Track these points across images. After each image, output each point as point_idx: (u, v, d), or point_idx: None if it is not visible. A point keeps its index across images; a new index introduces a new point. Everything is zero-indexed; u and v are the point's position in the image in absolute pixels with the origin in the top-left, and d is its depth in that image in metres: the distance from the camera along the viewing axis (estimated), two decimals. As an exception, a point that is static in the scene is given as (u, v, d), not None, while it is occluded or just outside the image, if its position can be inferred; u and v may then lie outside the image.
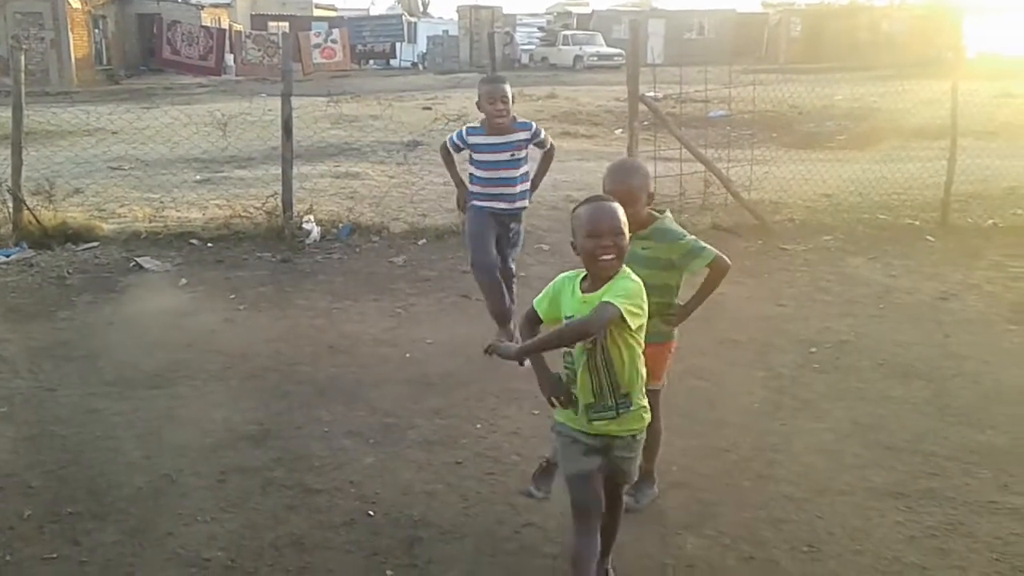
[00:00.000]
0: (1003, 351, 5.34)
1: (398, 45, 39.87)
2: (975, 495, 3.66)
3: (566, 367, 2.82)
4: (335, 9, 47.68)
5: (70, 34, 30.39)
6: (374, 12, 48.19)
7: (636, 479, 3.03)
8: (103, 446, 4.15)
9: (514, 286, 5.53)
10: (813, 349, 5.36)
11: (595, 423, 2.77)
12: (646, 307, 2.70)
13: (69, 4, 29.99)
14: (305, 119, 11.72)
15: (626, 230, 2.71)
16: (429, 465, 3.96)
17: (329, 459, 4.02)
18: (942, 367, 5.07)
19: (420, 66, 40.47)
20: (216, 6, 39.14)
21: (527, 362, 2.88)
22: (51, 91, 23.88)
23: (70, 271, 7.06)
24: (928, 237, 8.09)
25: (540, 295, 2.88)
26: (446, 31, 42.00)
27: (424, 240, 8.04)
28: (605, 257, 2.66)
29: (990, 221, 8.56)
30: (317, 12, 42.96)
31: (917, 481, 3.78)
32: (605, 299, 2.62)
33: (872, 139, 13.55)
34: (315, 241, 7.94)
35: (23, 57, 7.89)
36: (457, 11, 41.13)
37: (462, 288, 6.64)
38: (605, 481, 2.85)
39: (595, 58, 37.68)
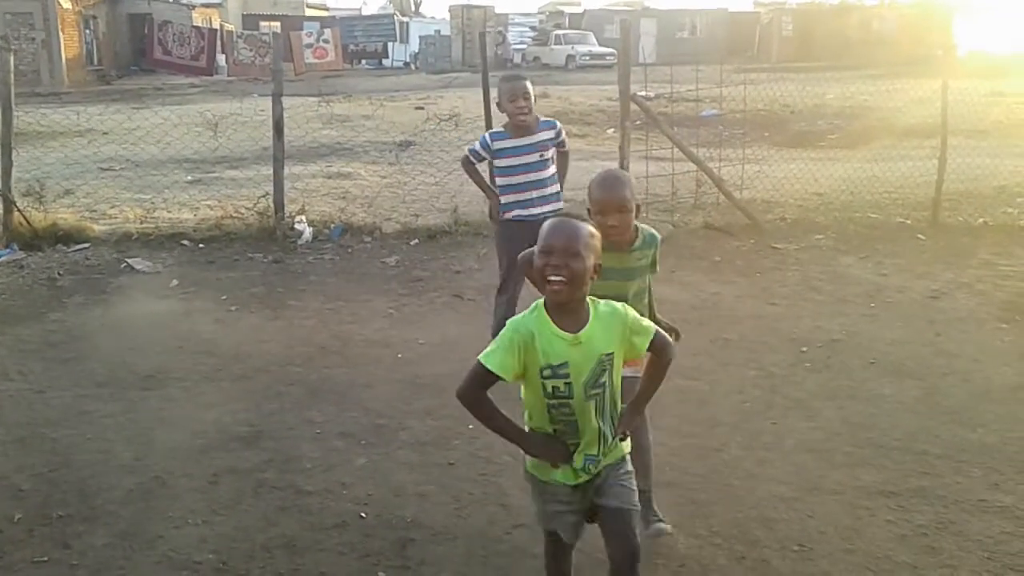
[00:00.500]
0: (993, 349, 5.36)
1: (390, 45, 39.93)
2: (966, 494, 3.67)
3: (561, 418, 2.46)
4: (327, 9, 47.68)
5: (61, 34, 30.27)
6: (366, 12, 48.25)
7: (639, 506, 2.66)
8: (93, 448, 4.13)
9: None
10: (804, 348, 5.37)
11: (583, 471, 2.50)
12: None
13: (60, 4, 29.87)
14: (297, 119, 11.71)
15: (587, 255, 2.37)
16: (421, 466, 3.96)
17: (321, 460, 4.02)
18: (933, 366, 5.09)
19: (412, 66, 40.43)
20: (207, 6, 39.06)
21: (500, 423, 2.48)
22: (42, 92, 23.79)
23: (61, 272, 7.04)
24: (919, 236, 8.11)
25: (491, 350, 2.40)
26: (438, 31, 41.98)
27: (416, 240, 8.03)
28: (553, 278, 2.35)
29: (981, 220, 8.59)
30: (309, 12, 42.96)
31: (908, 480, 3.79)
32: (653, 329, 2.49)
33: (863, 138, 13.58)
34: (307, 242, 7.93)
35: (12, 58, 7.86)
36: (449, 11, 41.12)
37: (454, 288, 6.65)
38: (608, 518, 2.55)
39: (587, 57, 37.71)
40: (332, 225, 8.27)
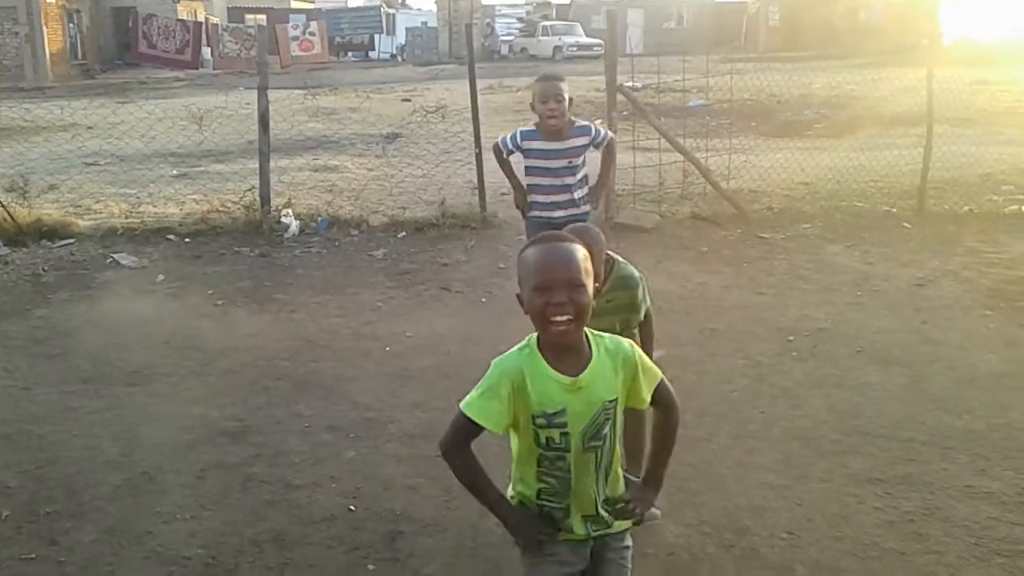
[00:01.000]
0: (979, 337, 5.39)
1: (377, 37, 39.73)
2: (952, 480, 3.69)
3: (554, 473, 2.12)
4: (313, 1, 47.40)
5: (44, 28, 30.07)
6: (352, 4, 48.02)
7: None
8: (80, 444, 4.11)
9: None
10: (791, 337, 5.39)
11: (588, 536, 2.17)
12: None
13: (43, -2, 29.65)
14: (283, 112, 11.66)
15: (588, 282, 2.03)
16: (410, 459, 3.95)
17: (309, 454, 4.01)
18: (919, 353, 5.11)
19: (399, 58, 40.34)
20: (192, -1, 38.78)
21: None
22: (25, 86, 23.66)
23: (45, 268, 6.99)
24: (905, 224, 8.14)
25: (473, 397, 2.08)
26: (425, 22, 41.90)
27: (404, 233, 8.01)
28: (557, 319, 1.97)
29: (966, 208, 8.63)
30: (295, 4, 42.74)
31: (895, 467, 3.81)
32: (660, 376, 2.18)
33: (850, 127, 13.61)
34: (294, 235, 7.90)
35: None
36: (436, 2, 41.02)
37: (442, 281, 6.63)
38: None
39: (574, 48, 37.70)
40: (319, 218, 8.23)
